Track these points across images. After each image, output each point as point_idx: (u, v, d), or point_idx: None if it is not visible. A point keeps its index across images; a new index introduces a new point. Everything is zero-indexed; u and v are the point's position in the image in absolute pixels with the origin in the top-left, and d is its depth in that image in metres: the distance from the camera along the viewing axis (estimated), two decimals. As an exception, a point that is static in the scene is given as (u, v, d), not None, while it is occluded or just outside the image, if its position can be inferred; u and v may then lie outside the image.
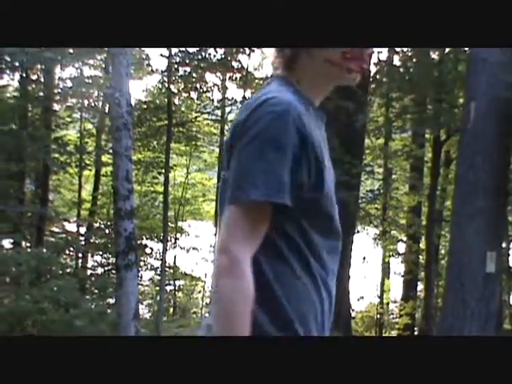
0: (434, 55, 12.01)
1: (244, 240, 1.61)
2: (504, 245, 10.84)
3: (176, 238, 18.61)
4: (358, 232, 15.19)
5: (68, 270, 12.91)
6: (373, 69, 12.04)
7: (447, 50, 11.32)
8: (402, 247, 16.91)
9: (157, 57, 16.60)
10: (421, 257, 15.26)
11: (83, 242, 15.08)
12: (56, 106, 14.73)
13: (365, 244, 16.57)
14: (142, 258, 15.76)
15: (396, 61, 13.15)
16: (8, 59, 10.57)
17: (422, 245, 14.75)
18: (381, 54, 13.35)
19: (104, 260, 15.19)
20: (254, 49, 14.07)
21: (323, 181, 1.68)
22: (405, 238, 16.28)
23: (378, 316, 16.78)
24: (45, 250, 10.84)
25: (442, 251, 14.87)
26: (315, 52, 1.77)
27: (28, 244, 13.43)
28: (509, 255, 13.98)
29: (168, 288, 17.20)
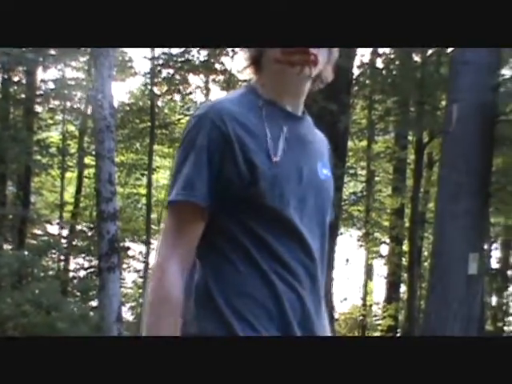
0: (417, 57, 12.07)
1: (168, 243, 1.71)
2: (486, 246, 10.90)
3: (159, 241, 18.54)
4: (341, 234, 15.23)
5: (50, 273, 12.81)
6: (355, 71, 12.09)
7: (430, 52, 11.38)
8: (385, 249, 16.97)
9: (140, 59, 16.60)
10: (404, 259, 15.33)
11: (65, 245, 15.00)
12: (38, 108, 14.66)
13: (348, 246, 16.61)
14: (125, 261, 15.71)
15: (379, 63, 13.20)
16: (-11, 61, 10.50)
17: (405, 247, 14.81)
18: (363, 56, 13.39)
19: (86, 262, 15.12)
20: (238, 51, 14.06)
21: (257, 176, 1.69)
22: (388, 240, 16.33)
23: (361, 318, 16.81)
24: (26, 253, 10.76)
25: (425, 253, 14.93)
26: (270, 54, 1.80)
27: (9, 246, 13.33)
28: (491, 257, 14.08)
29: (151, 290, 17.09)
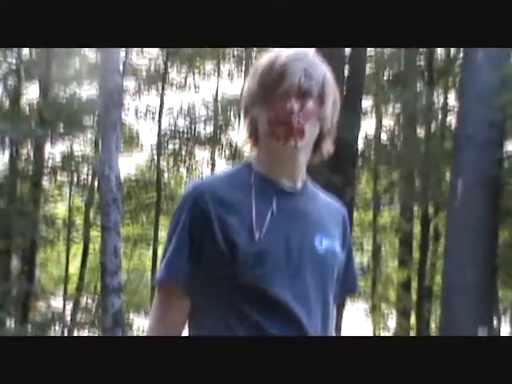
0: (421, 131, 12.20)
1: (155, 318, 1.79)
2: (495, 320, 10.77)
3: (164, 314, 18.37)
4: (348, 306, 15.09)
5: (54, 348, 12.64)
6: (360, 144, 12.21)
7: (433, 127, 11.51)
8: (392, 323, 16.78)
9: (147, 133, 16.73)
10: (411, 332, 15.13)
11: (69, 319, 14.87)
12: (45, 182, 14.77)
13: (355, 319, 16.42)
14: (130, 335, 15.54)
15: (383, 136, 13.34)
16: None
17: (413, 320, 14.65)
18: (368, 129, 13.53)
19: (91, 337, 14.96)
20: (242, 125, 14.26)
21: (236, 254, 1.69)
22: (395, 314, 16.16)
23: (370, 393, 16.47)
24: (30, 328, 10.67)
25: (433, 327, 14.75)
26: (261, 127, 1.79)
27: (13, 321, 13.23)
28: (500, 331, 13.89)
29: (156, 365, 16.86)
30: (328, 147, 1.86)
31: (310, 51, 1.77)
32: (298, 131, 1.73)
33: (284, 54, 1.72)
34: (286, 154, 1.79)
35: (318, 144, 1.84)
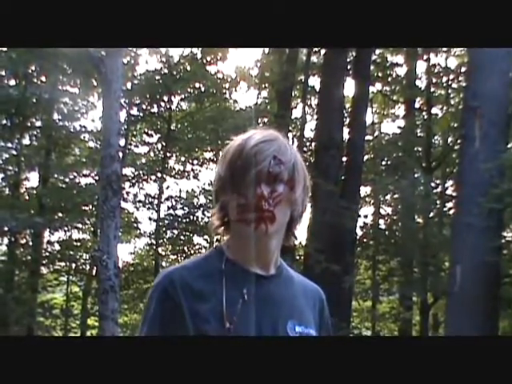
0: (419, 219, 12.24)
1: None
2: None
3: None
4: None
5: None
6: (359, 232, 12.23)
7: (431, 214, 11.55)
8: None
9: (145, 220, 16.75)
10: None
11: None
12: (43, 269, 14.74)
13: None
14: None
15: (381, 224, 13.38)
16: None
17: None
18: (366, 218, 13.59)
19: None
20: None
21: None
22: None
23: None
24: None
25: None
26: (232, 214, 1.78)
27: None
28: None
29: None
30: (300, 231, 1.86)
31: (279, 135, 1.77)
32: (269, 216, 1.72)
33: (253, 138, 1.72)
34: (256, 240, 1.76)
35: (289, 228, 1.82)
